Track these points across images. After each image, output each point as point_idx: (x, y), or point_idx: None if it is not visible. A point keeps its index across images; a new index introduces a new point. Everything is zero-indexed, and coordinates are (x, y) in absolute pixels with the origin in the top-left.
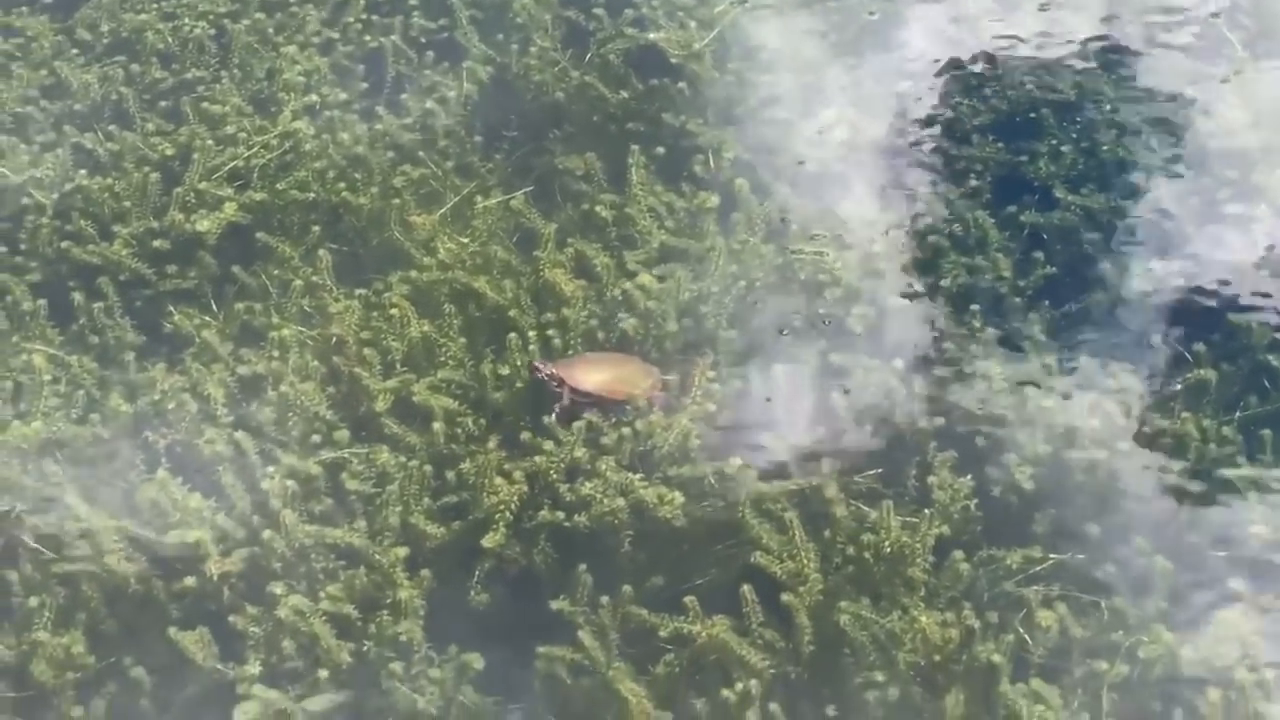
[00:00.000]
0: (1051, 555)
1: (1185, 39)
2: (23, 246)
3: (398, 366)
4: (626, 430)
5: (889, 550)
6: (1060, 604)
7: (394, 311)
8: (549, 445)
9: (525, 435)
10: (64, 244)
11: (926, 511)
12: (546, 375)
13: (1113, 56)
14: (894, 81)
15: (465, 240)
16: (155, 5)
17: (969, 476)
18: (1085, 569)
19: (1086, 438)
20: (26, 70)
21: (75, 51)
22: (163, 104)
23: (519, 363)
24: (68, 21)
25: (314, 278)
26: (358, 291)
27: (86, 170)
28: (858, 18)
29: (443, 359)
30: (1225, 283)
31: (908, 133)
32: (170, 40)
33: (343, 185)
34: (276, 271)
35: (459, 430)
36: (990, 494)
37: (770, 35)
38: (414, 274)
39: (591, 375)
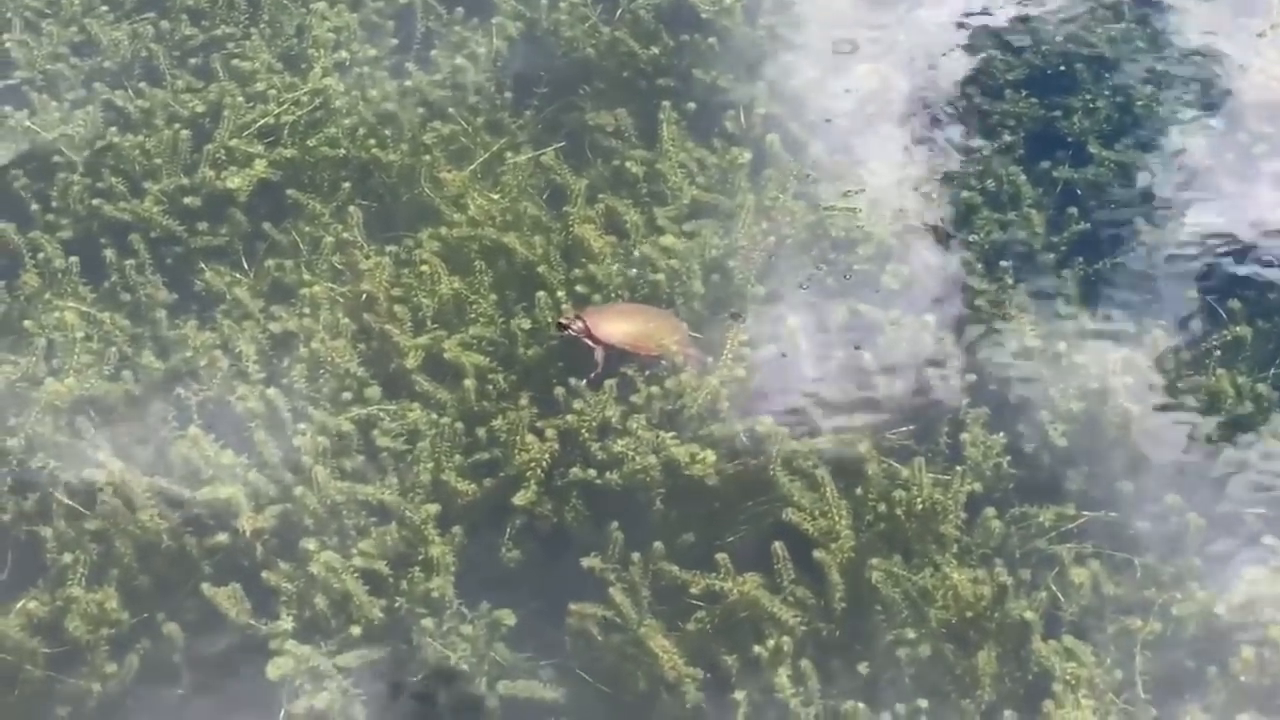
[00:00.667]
0: (1084, 512)
1: None
2: (54, 204)
3: (428, 323)
4: (657, 389)
5: (921, 507)
6: (1093, 561)
7: (424, 268)
8: (580, 404)
9: (559, 391)
10: (95, 201)
11: (959, 468)
12: (576, 330)
13: (1147, 10)
14: (926, 37)
15: (496, 197)
16: None
17: (1001, 433)
18: (1118, 526)
19: (1120, 395)
20: (56, 27)
21: (105, 8)
22: (193, 61)
23: (548, 320)
24: None
25: (344, 235)
26: (388, 249)
27: (117, 127)
28: None
29: (473, 316)
30: (1261, 238)
31: (940, 88)
32: None
33: (373, 142)
34: (307, 228)
35: (490, 387)
36: (1023, 451)
37: None
38: (444, 230)
39: (620, 326)
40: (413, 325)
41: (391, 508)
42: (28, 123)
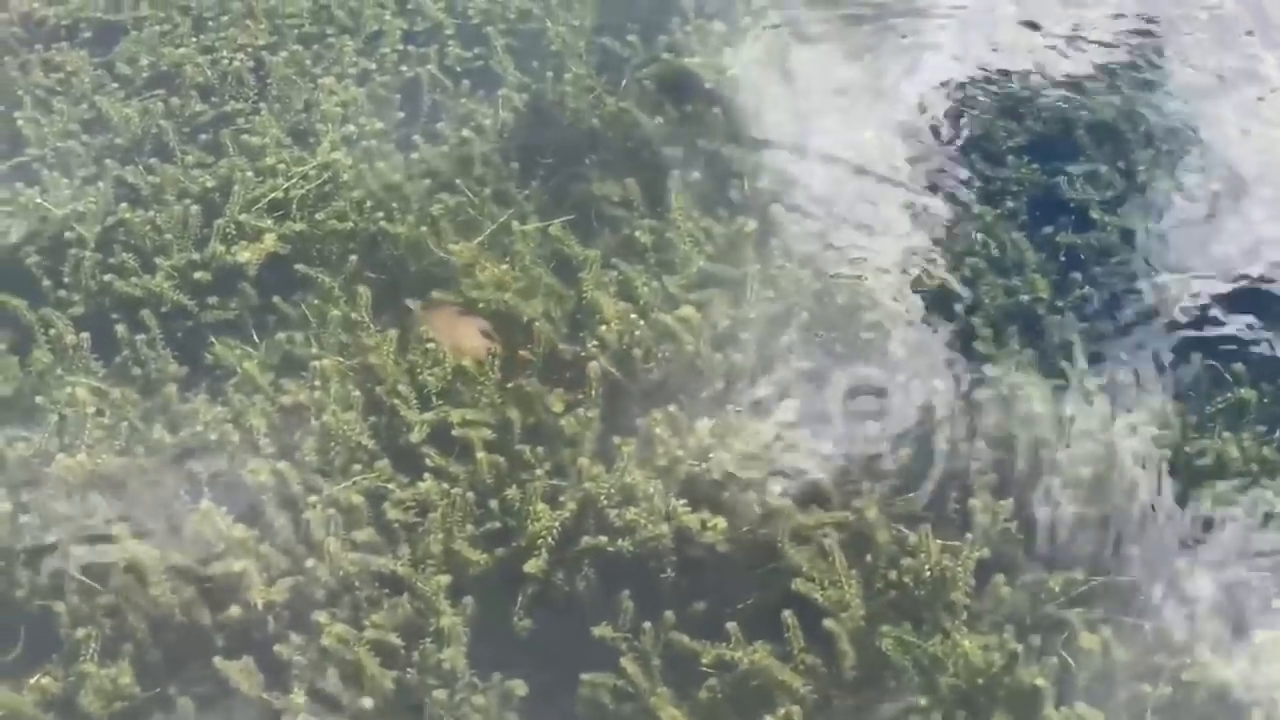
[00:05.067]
0: (1093, 577)
1: (1219, 58)
2: (66, 280)
3: (433, 400)
4: (679, 452)
5: (930, 574)
6: (1103, 626)
7: (430, 345)
8: (598, 470)
9: (581, 461)
10: (106, 277)
11: (968, 535)
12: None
13: (1147, 77)
14: (928, 104)
15: (504, 267)
16: (194, 39)
17: (1009, 499)
18: (1127, 591)
19: (1126, 459)
20: (67, 105)
21: (115, 86)
22: (203, 137)
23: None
24: (107, 56)
25: (352, 314)
26: (391, 331)
27: (128, 203)
28: (890, 41)
29: (476, 395)
30: (1264, 303)
31: (943, 155)
32: (209, 73)
33: (380, 214)
34: (316, 301)
35: (501, 459)
36: (1031, 516)
37: (803, 59)
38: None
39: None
40: (419, 401)
41: (403, 579)
42: (39, 200)
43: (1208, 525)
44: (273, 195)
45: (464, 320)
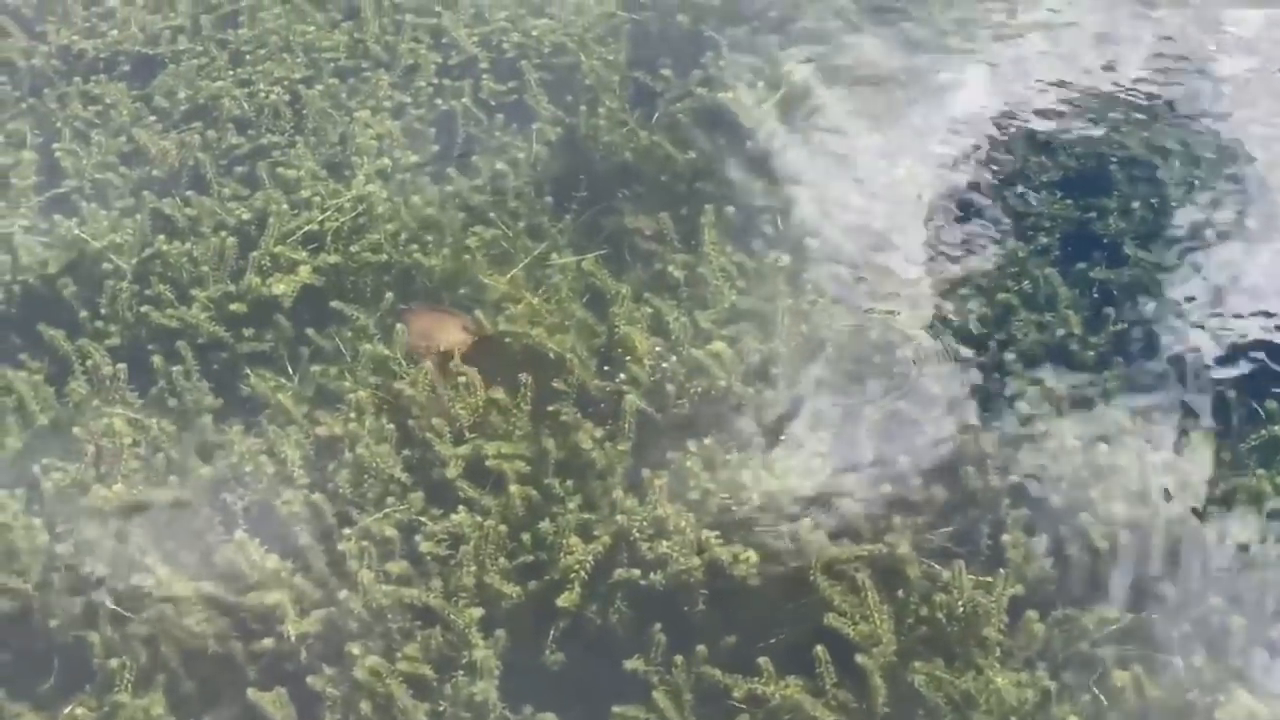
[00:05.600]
0: (1127, 614)
1: (1254, 94)
2: (103, 311)
3: (466, 434)
4: (711, 485)
5: (963, 610)
6: (1136, 664)
7: (461, 378)
8: (631, 503)
9: (615, 493)
10: (143, 308)
11: (1001, 571)
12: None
13: (1182, 113)
14: (962, 139)
15: (536, 300)
16: (231, 72)
17: (1042, 535)
18: (1161, 628)
19: (1160, 495)
20: (105, 137)
21: (153, 118)
22: (239, 169)
23: (591, 435)
24: (145, 88)
25: (385, 351)
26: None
27: (165, 235)
28: (924, 77)
29: (509, 428)
30: None
31: (976, 190)
32: (246, 106)
33: (415, 247)
34: (350, 334)
35: (535, 492)
36: (1064, 552)
37: (837, 93)
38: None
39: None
40: (452, 435)
41: (436, 611)
42: (77, 231)
43: (1242, 562)
44: (308, 227)
45: (444, 317)
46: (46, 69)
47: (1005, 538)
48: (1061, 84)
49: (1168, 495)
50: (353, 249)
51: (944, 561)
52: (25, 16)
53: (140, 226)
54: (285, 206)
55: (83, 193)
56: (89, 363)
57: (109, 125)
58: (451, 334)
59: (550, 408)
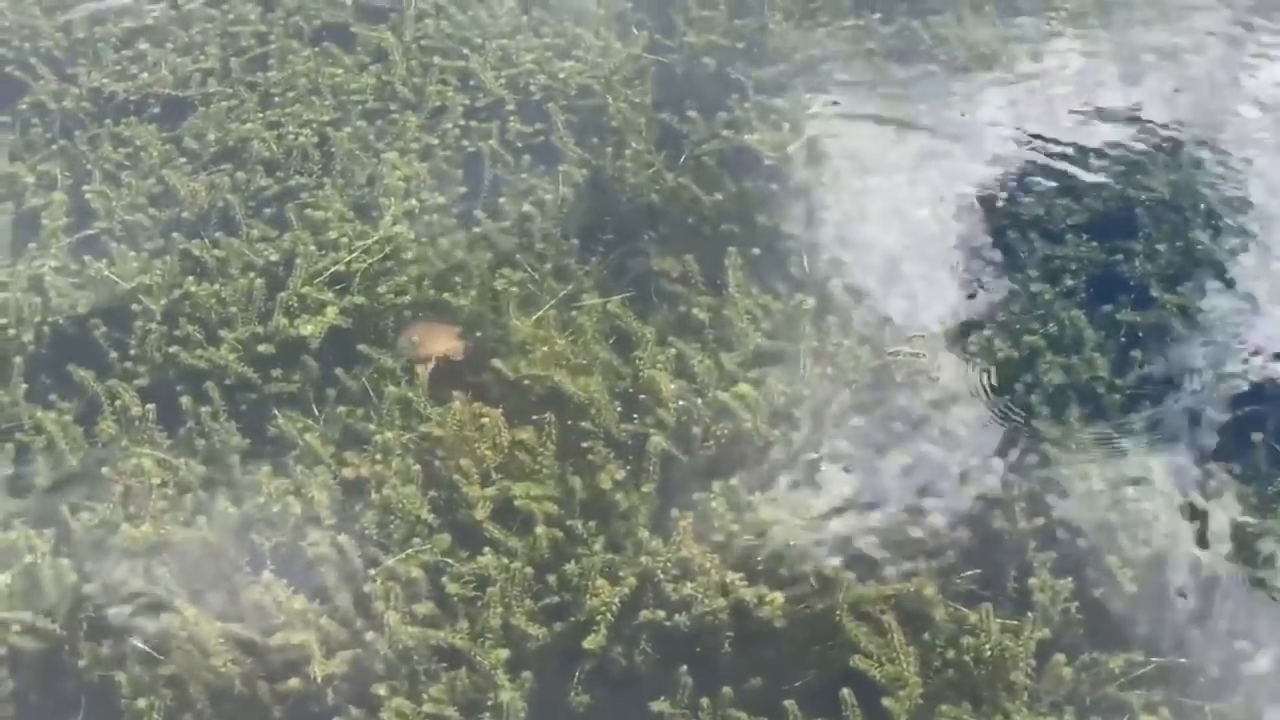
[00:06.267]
0: (1154, 658)
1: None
2: (132, 352)
3: (493, 475)
4: (736, 526)
5: (990, 654)
6: (1163, 708)
7: (485, 420)
8: (656, 544)
9: (640, 534)
10: (172, 349)
11: (1029, 615)
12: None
13: (1206, 155)
14: (986, 182)
15: (563, 342)
16: (260, 114)
17: (1069, 579)
18: (1188, 672)
19: (1187, 539)
20: (135, 178)
21: (183, 160)
22: (267, 211)
23: (614, 477)
24: (175, 130)
25: (409, 393)
26: (454, 393)
27: (194, 276)
28: (950, 119)
29: (534, 468)
30: None
31: (1002, 232)
32: (275, 148)
33: (442, 290)
34: (377, 376)
35: (560, 534)
36: (1092, 596)
37: (862, 136)
38: (508, 375)
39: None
40: (479, 475)
41: (462, 652)
42: (107, 272)
43: (1270, 605)
44: (335, 268)
45: (438, 328)
46: (78, 111)
47: (1032, 581)
48: (1087, 125)
49: (1195, 538)
50: (379, 290)
51: (971, 604)
52: (57, 59)
53: (169, 268)
54: (312, 248)
55: (113, 234)
56: (118, 403)
57: (139, 167)
58: (445, 342)
59: (583, 444)
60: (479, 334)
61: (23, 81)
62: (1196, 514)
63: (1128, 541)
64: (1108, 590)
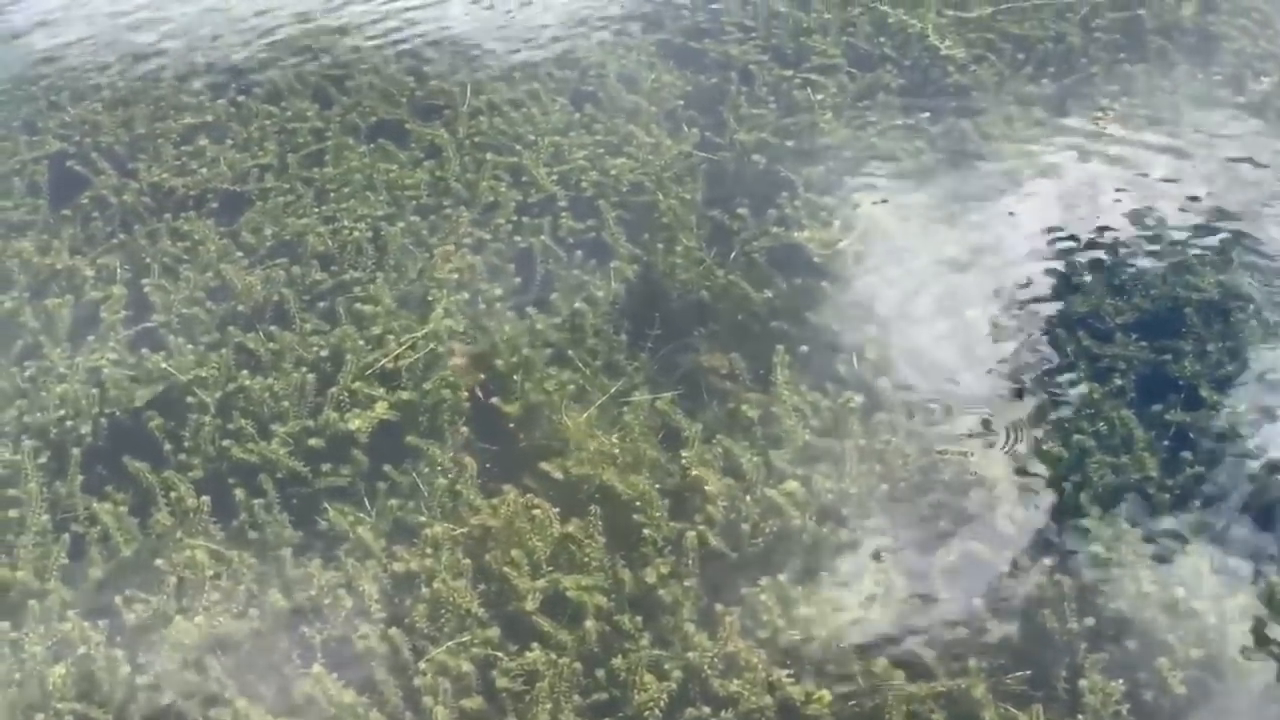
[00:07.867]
0: None
1: None
2: (186, 444)
3: (544, 566)
4: (782, 622)
5: None
6: None
7: (536, 513)
8: (701, 639)
9: (688, 628)
10: (225, 442)
11: (1079, 717)
12: None
13: (1256, 255)
14: (1035, 279)
15: (614, 439)
16: (316, 210)
17: (1120, 680)
18: None
19: (1238, 640)
20: (193, 272)
21: (240, 254)
22: (321, 304)
23: (659, 571)
24: (233, 225)
25: (457, 486)
26: (498, 495)
27: (248, 370)
28: (998, 216)
29: (584, 560)
30: None
31: (1050, 330)
32: (330, 242)
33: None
34: (426, 469)
35: (609, 628)
36: (1142, 698)
37: (911, 234)
38: (557, 474)
39: None
40: (529, 567)
41: None
42: (164, 365)
43: None
44: (384, 363)
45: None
46: (137, 205)
47: (1083, 682)
48: (1135, 224)
49: (1247, 642)
50: (426, 386)
51: (1021, 705)
52: (118, 154)
53: (225, 361)
54: (362, 342)
55: (170, 327)
56: (173, 495)
57: (197, 261)
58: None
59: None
60: (532, 431)
61: (84, 176)
62: (1248, 615)
63: (1178, 642)
64: (1158, 693)
